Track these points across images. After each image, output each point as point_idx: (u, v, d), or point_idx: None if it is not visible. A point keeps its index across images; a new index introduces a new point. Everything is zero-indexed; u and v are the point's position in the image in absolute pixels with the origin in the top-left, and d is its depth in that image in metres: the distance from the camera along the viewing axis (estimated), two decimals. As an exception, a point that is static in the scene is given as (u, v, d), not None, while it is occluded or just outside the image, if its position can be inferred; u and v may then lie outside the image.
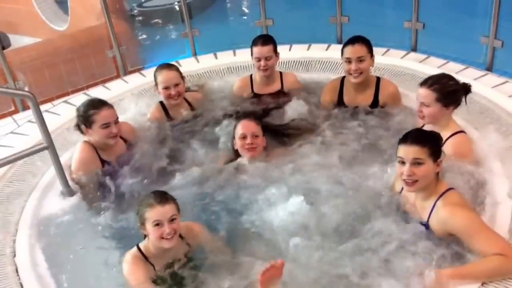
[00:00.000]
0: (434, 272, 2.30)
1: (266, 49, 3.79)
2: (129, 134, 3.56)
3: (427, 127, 3.03)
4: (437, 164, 2.50)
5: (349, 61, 3.56)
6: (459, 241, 2.39)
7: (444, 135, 2.90)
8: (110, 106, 3.30)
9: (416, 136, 2.53)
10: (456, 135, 2.96)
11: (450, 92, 2.98)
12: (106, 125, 3.22)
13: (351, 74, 3.58)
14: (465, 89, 3.05)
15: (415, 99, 3.10)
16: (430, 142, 2.51)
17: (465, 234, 2.36)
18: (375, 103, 3.69)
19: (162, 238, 2.44)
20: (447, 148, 2.84)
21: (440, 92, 2.96)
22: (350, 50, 3.55)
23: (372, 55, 3.59)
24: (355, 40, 3.57)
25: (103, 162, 3.30)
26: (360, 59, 3.52)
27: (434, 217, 2.48)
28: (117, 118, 3.31)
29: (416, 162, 2.46)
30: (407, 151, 2.49)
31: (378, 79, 3.71)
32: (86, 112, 3.23)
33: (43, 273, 2.65)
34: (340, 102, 3.79)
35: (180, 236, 2.58)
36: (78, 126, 3.30)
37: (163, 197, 2.47)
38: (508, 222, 2.55)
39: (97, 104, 3.27)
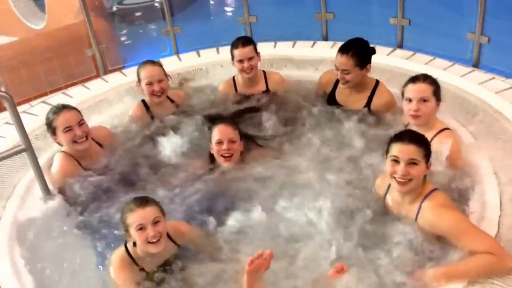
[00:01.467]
0: (422, 272, 2.30)
1: (248, 50, 3.75)
2: (106, 138, 3.47)
3: (412, 128, 3.01)
4: (428, 167, 2.51)
5: (336, 68, 3.49)
6: (447, 242, 2.38)
7: (431, 132, 2.91)
8: (71, 109, 3.22)
9: (413, 136, 2.53)
10: (443, 133, 2.95)
11: (439, 87, 2.99)
12: (68, 129, 3.14)
13: (340, 80, 3.53)
14: None
15: (404, 100, 3.03)
16: (425, 144, 2.52)
17: (452, 234, 2.36)
18: (367, 107, 3.59)
19: (148, 242, 2.38)
20: (435, 145, 2.84)
21: (435, 86, 2.96)
22: (338, 60, 3.45)
23: (363, 67, 3.44)
24: (345, 49, 3.42)
25: (82, 168, 3.22)
26: (346, 72, 3.44)
27: (421, 219, 2.47)
28: (81, 120, 3.21)
29: (412, 162, 2.45)
30: (404, 150, 2.47)
31: (376, 84, 3.58)
32: (48, 119, 3.18)
33: (24, 278, 2.57)
34: (331, 97, 3.73)
35: (168, 237, 2.54)
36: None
37: (143, 200, 2.43)
38: (496, 220, 2.54)
39: (57, 109, 3.20)
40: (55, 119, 3.14)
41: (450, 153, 2.85)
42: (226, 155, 3.14)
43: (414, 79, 2.99)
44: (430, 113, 2.95)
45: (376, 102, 3.56)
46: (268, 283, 2.29)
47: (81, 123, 3.19)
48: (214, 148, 3.17)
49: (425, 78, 2.97)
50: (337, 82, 3.67)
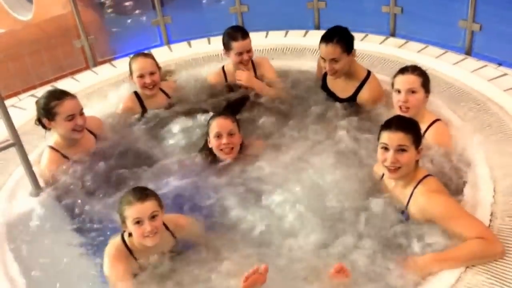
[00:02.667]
0: (413, 258, 2.31)
1: (247, 42, 3.70)
2: (98, 128, 3.42)
3: None
4: (418, 152, 2.51)
5: (323, 60, 3.41)
6: (439, 227, 2.39)
7: (423, 125, 2.88)
8: (73, 97, 3.15)
9: (401, 123, 2.53)
10: (435, 124, 2.95)
11: (428, 78, 2.99)
12: (71, 117, 3.07)
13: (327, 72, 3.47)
14: None
15: (393, 91, 3.01)
16: (414, 129, 2.52)
17: (443, 220, 2.37)
18: (353, 98, 3.53)
19: (144, 236, 2.37)
20: (428, 137, 2.87)
21: (423, 77, 2.95)
22: (323, 50, 3.36)
23: (349, 52, 3.37)
24: (329, 37, 3.32)
25: (71, 162, 3.17)
26: (334, 60, 3.35)
27: (412, 204, 2.48)
28: (82, 109, 3.16)
29: (400, 149, 2.46)
30: (392, 138, 2.47)
31: (367, 76, 3.50)
32: (48, 104, 3.06)
33: (14, 275, 2.55)
34: (324, 82, 3.71)
35: (167, 229, 2.52)
36: (39, 121, 3.15)
37: (142, 194, 2.39)
38: (488, 207, 2.56)
39: (59, 95, 3.11)
40: (58, 106, 3.05)
41: (443, 144, 2.87)
42: (226, 148, 3.07)
43: (403, 70, 2.98)
44: (418, 104, 2.93)
45: (363, 95, 3.48)
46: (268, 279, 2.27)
47: (82, 112, 3.15)
48: (212, 142, 3.09)
49: (414, 69, 2.96)
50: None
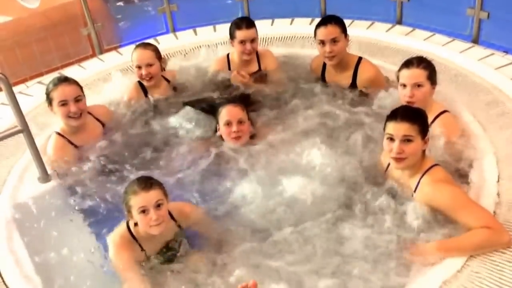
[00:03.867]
0: (418, 245, 2.32)
1: (252, 32, 3.69)
2: (105, 116, 3.44)
3: None
4: (425, 142, 2.50)
5: (322, 43, 3.45)
6: (445, 216, 2.39)
7: (430, 116, 2.86)
8: (71, 83, 3.16)
9: (406, 113, 2.51)
10: (442, 116, 2.93)
11: (434, 70, 2.97)
12: (63, 103, 3.09)
13: (326, 57, 3.49)
14: None
15: (399, 85, 2.99)
16: (420, 119, 2.50)
17: (450, 209, 2.36)
18: (353, 85, 3.58)
19: (150, 225, 2.38)
20: (435, 128, 2.84)
21: (429, 69, 2.92)
22: (323, 32, 3.43)
23: (346, 35, 3.48)
24: (327, 20, 3.45)
25: (77, 148, 3.20)
26: (334, 40, 3.41)
27: (419, 193, 2.48)
28: (79, 96, 3.15)
29: (406, 139, 2.44)
30: (397, 128, 2.46)
31: (359, 60, 3.56)
32: (47, 89, 3.14)
33: (22, 260, 2.57)
34: (323, 79, 3.73)
35: (172, 217, 2.53)
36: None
37: (147, 183, 2.40)
38: (494, 195, 2.56)
39: (57, 80, 3.15)
40: (52, 91, 3.10)
41: (451, 135, 2.86)
42: (236, 136, 3.08)
43: (408, 63, 2.94)
44: (424, 98, 2.90)
45: (360, 79, 3.54)
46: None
47: (78, 99, 3.14)
48: (222, 130, 3.11)
49: (420, 62, 2.92)
50: (324, 65, 3.66)
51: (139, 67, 3.56)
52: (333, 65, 3.56)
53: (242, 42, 3.69)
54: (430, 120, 2.83)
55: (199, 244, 2.62)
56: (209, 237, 2.65)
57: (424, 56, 3.08)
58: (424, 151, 2.53)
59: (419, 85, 2.88)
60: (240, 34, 3.68)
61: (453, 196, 2.39)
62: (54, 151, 3.14)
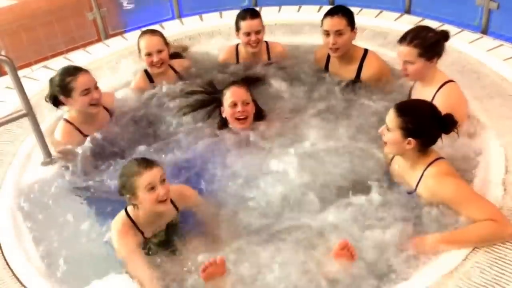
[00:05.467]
0: (421, 238, 2.31)
1: (256, 22, 3.65)
2: (112, 105, 3.43)
3: (416, 84, 3.04)
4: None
5: (327, 33, 3.40)
6: (448, 209, 2.37)
7: (433, 88, 2.88)
8: (87, 71, 3.16)
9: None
10: (445, 86, 2.90)
11: (431, 45, 2.90)
12: (87, 91, 3.08)
13: (330, 48, 3.45)
14: (445, 36, 2.96)
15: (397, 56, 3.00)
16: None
17: (454, 202, 2.35)
18: (357, 79, 3.52)
19: (158, 202, 2.41)
20: (438, 100, 2.79)
21: (421, 47, 2.88)
22: (329, 23, 3.37)
23: (353, 28, 3.40)
24: (334, 11, 3.39)
25: (85, 136, 3.18)
26: (338, 33, 3.36)
27: (422, 186, 2.46)
28: (96, 83, 3.17)
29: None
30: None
31: (365, 53, 3.50)
32: (63, 80, 3.07)
33: (26, 243, 2.60)
34: (326, 71, 3.69)
35: (171, 201, 2.54)
36: (52, 98, 3.14)
37: (147, 162, 2.44)
38: (500, 186, 2.54)
39: (73, 70, 3.12)
40: (73, 81, 3.05)
41: (455, 107, 2.75)
42: (241, 117, 3.08)
43: (401, 39, 2.95)
44: (418, 72, 2.92)
45: (365, 73, 3.48)
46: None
47: (96, 86, 3.16)
48: (227, 111, 3.10)
49: (412, 39, 2.89)
50: (329, 56, 3.62)
51: (149, 54, 3.52)
52: (337, 58, 3.51)
53: (247, 33, 3.65)
54: (433, 91, 2.84)
55: (194, 224, 2.64)
56: (206, 221, 2.67)
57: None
58: (425, 146, 2.47)
59: (409, 62, 2.90)
60: (244, 24, 3.64)
61: (458, 188, 2.37)
62: (62, 137, 3.14)
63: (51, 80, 3.13)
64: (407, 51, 2.89)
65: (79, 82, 3.05)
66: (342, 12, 3.38)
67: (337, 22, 3.35)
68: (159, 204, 2.42)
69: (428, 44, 2.88)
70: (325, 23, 3.40)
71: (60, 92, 3.09)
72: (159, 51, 3.52)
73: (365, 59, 3.48)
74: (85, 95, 3.08)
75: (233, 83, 3.19)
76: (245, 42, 3.70)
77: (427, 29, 2.97)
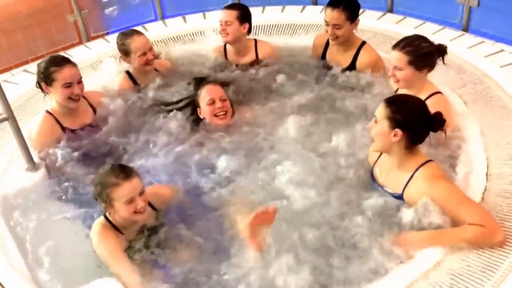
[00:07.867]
0: (406, 234, 2.31)
1: (227, 13, 3.68)
2: (99, 103, 3.40)
3: (402, 92, 2.98)
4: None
5: (327, 23, 3.47)
6: (433, 210, 2.33)
7: (421, 96, 2.82)
8: (74, 65, 3.12)
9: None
10: (432, 97, 2.90)
11: (423, 55, 2.89)
12: (68, 85, 3.05)
13: (329, 36, 3.53)
14: (440, 50, 2.96)
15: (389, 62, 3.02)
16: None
17: (447, 205, 2.30)
18: (352, 67, 3.60)
19: (135, 212, 2.36)
20: None
21: (413, 55, 2.87)
22: (328, 14, 3.45)
23: (353, 21, 3.46)
24: (336, 4, 3.41)
25: (65, 130, 3.17)
26: (337, 27, 3.44)
27: (411, 189, 2.42)
28: (80, 78, 3.13)
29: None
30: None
31: (362, 44, 3.58)
32: (47, 69, 3.05)
33: (9, 250, 2.54)
34: (323, 57, 3.77)
35: (148, 203, 2.50)
36: (38, 84, 3.13)
37: (126, 172, 2.36)
38: (483, 183, 2.56)
39: (60, 61, 3.09)
40: (57, 72, 3.02)
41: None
42: (221, 113, 3.10)
43: (395, 45, 2.96)
44: (406, 79, 2.92)
45: (360, 61, 3.56)
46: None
47: (80, 81, 3.12)
48: (206, 110, 3.12)
49: (404, 46, 2.89)
50: (327, 43, 3.68)
51: (144, 54, 3.51)
52: (336, 45, 3.58)
53: (220, 22, 3.68)
54: None
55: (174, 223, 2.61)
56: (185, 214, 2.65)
57: None
58: (413, 147, 2.46)
59: (399, 69, 2.91)
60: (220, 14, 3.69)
61: (448, 192, 2.33)
62: (40, 129, 3.11)
63: (38, 65, 3.12)
64: (398, 56, 2.89)
65: (63, 75, 3.03)
66: (344, 5, 3.40)
67: (336, 16, 3.41)
68: (136, 215, 2.37)
69: (420, 53, 2.88)
70: (326, 12, 3.47)
71: (42, 79, 3.08)
72: (151, 49, 3.56)
73: (362, 48, 3.57)
74: (66, 88, 3.05)
75: (207, 82, 3.21)
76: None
77: (422, 39, 2.96)
